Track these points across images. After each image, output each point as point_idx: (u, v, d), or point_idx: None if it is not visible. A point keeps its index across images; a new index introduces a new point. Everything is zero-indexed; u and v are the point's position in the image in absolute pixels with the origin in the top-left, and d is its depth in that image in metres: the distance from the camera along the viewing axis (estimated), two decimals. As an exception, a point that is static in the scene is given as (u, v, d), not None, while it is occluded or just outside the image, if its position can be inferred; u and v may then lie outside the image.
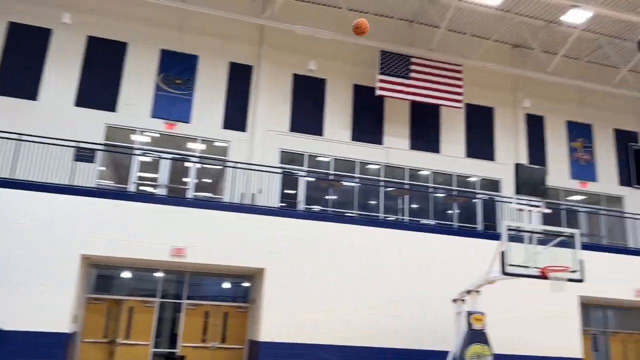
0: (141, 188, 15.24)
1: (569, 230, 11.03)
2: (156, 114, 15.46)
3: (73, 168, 12.79)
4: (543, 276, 10.29)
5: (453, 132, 18.07)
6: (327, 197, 16.44)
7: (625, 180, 19.54)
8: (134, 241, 11.64)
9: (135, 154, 15.17)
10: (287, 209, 15.18)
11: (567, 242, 10.75)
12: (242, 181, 14.69)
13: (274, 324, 12.06)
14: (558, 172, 18.63)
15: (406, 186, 17.23)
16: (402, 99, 16.96)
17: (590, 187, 19.16)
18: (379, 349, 12.48)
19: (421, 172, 17.61)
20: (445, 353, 11.69)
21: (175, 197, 14.44)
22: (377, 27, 15.28)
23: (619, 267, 14.68)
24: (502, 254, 10.29)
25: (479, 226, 16.35)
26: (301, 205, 15.59)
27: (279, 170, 15.66)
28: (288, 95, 16.74)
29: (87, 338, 12.45)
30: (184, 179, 15.56)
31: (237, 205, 13.78)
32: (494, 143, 18.46)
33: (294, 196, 15.76)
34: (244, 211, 12.89)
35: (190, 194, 15.09)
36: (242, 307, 13.69)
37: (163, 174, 15.20)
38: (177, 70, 15.87)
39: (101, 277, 13.10)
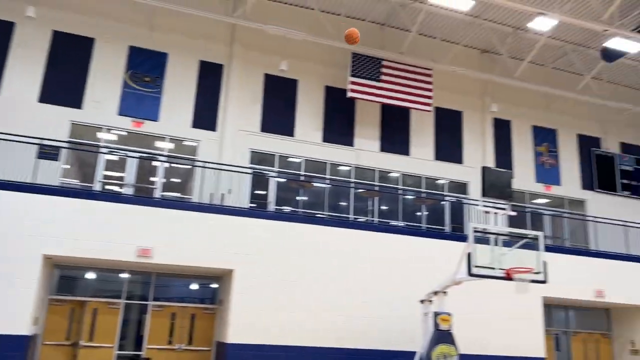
0: (107, 187, 14.91)
1: (534, 233, 11.27)
2: (123, 111, 15.15)
3: (36, 165, 12.42)
4: (508, 277, 10.47)
5: (422, 135, 18.28)
6: (297, 198, 16.41)
7: (587, 184, 20.13)
8: (98, 241, 11.37)
9: (101, 152, 14.84)
10: (257, 209, 15.09)
11: (531, 244, 10.98)
12: (212, 181, 14.55)
13: (242, 326, 11.95)
14: (523, 176, 19.04)
15: (376, 188, 17.35)
16: (373, 101, 17.08)
17: (554, 190, 19.64)
18: (348, 349, 12.50)
19: (391, 174, 17.76)
20: (413, 353, 11.80)
21: (142, 197, 14.18)
22: (349, 29, 15.28)
23: (581, 269, 15.09)
24: (469, 255, 10.44)
25: (447, 228, 16.54)
26: (271, 206, 15.51)
27: (249, 171, 15.55)
28: (259, 95, 16.64)
29: (49, 340, 12.12)
30: (152, 179, 15.27)
31: (206, 205, 13.63)
32: (462, 146, 18.75)
33: (264, 197, 15.67)
34: (212, 211, 12.74)
35: (158, 193, 14.83)
36: (209, 308, 13.54)
37: (130, 173, 14.90)
38: (146, 67, 15.59)
39: (64, 277, 12.76)
